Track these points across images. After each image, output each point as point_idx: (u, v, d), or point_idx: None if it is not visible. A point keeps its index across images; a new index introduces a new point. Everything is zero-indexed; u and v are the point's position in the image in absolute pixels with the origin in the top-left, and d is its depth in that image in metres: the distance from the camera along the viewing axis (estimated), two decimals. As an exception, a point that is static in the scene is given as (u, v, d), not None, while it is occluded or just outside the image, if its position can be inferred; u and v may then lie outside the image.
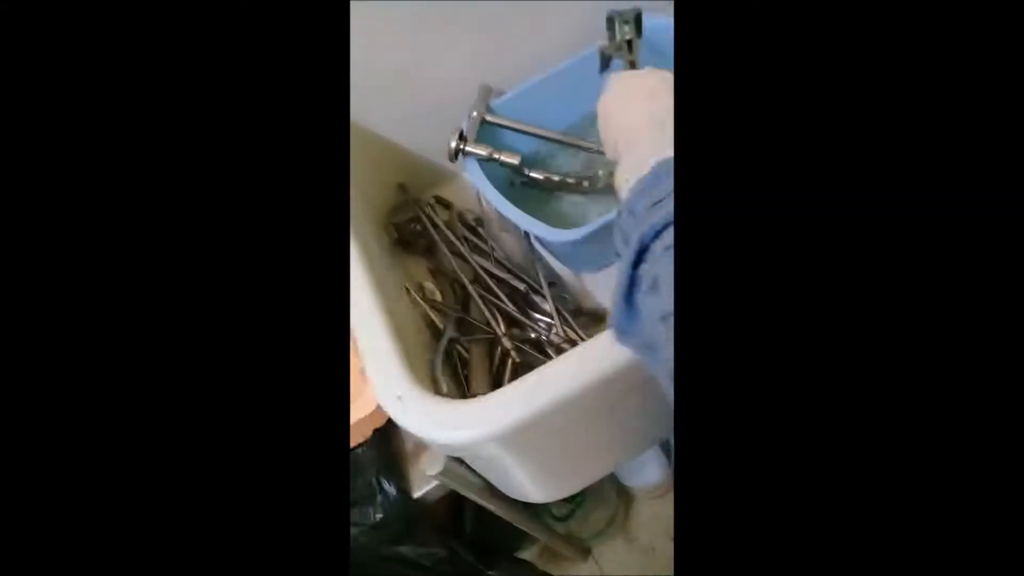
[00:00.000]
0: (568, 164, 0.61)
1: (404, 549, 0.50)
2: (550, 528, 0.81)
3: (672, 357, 0.23)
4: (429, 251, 0.58)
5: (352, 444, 0.46)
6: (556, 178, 0.57)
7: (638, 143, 0.36)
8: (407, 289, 0.53)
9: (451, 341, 0.48)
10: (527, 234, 0.56)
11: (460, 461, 0.47)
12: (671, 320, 0.25)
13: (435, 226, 0.58)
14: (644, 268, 0.29)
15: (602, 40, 0.60)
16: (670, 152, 0.33)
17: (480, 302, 0.50)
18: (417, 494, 0.48)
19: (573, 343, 0.48)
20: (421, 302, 0.51)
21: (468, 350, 0.48)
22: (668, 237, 0.27)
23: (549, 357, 0.47)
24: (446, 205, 0.63)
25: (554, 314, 0.49)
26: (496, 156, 0.54)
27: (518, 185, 0.59)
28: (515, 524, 0.59)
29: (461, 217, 0.61)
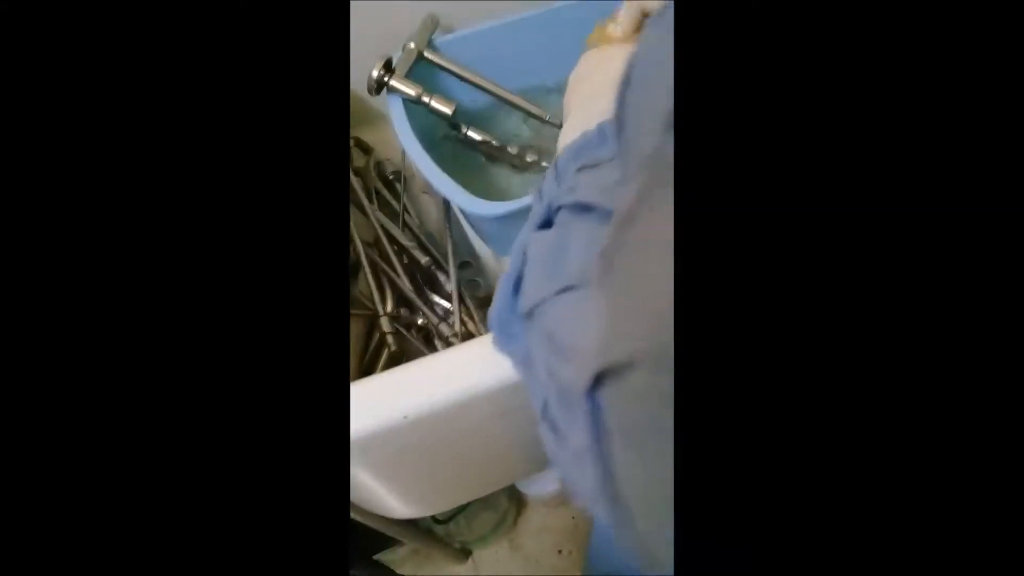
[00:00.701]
0: (514, 130, 0.53)
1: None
2: (427, 531, 0.73)
3: (551, 388, 0.19)
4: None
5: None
6: (495, 142, 0.49)
7: (592, 104, 0.31)
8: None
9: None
10: (447, 200, 0.48)
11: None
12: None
13: (345, 171, 0.48)
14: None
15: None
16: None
17: (368, 270, 0.41)
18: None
19: (468, 338, 0.40)
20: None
21: (347, 324, 0.39)
22: (586, 217, 0.21)
23: (434, 350, 0.39)
24: (365, 149, 0.54)
25: (455, 299, 0.41)
26: (426, 99, 0.45)
27: (452, 141, 0.50)
28: (376, 528, 0.51)
29: (379, 167, 0.51)
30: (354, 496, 0.40)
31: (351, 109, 0.54)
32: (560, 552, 0.88)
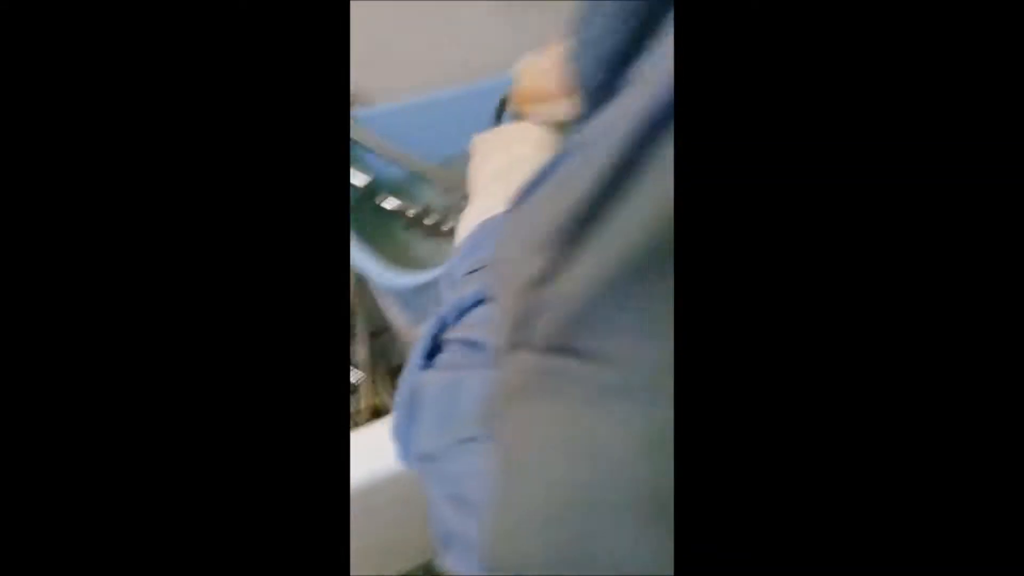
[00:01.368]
0: (437, 197, 0.54)
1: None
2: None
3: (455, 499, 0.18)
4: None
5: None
6: (411, 213, 0.50)
7: (479, 197, 0.32)
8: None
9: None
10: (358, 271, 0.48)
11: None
12: (454, 449, 0.19)
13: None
14: (440, 359, 0.22)
15: (500, 74, 0.55)
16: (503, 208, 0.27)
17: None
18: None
19: (377, 413, 0.39)
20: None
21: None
22: (472, 326, 0.21)
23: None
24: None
25: (365, 371, 0.40)
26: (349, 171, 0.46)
27: (369, 209, 0.51)
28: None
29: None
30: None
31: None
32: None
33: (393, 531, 0.37)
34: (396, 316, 0.48)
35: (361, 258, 0.41)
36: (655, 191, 0.13)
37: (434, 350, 0.22)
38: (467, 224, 0.29)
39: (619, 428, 0.13)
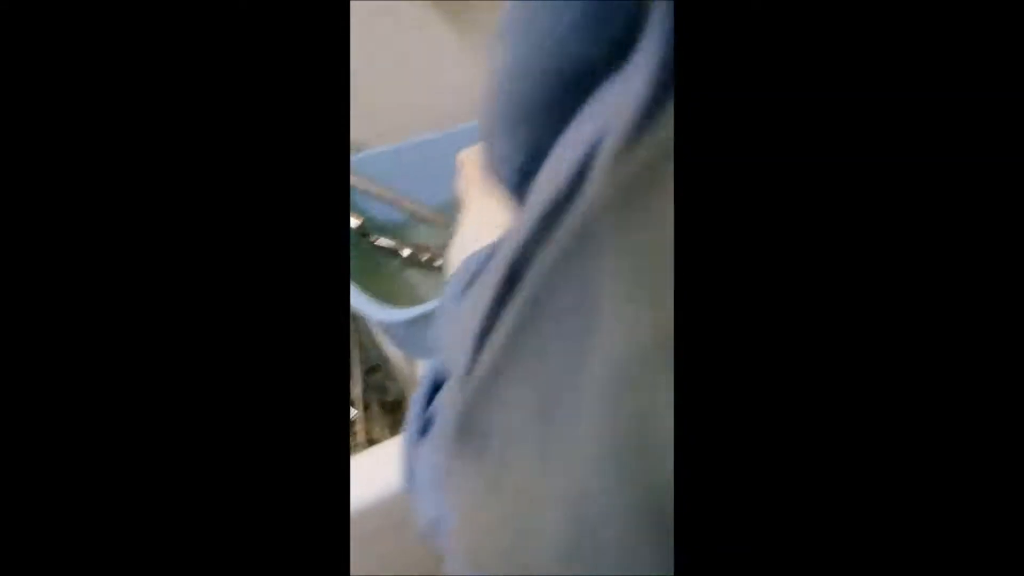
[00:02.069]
0: (429, 236, 0.56)
1: None
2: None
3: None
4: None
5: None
6: (406, 252, 0.51)
7: (470, 216, 0.31)
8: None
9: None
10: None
11: None
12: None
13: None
14: (436, 407, 0.23)
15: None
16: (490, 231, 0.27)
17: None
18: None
19: (372, 445, 0.40)
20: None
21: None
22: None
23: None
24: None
25: (359, 406, 0.41)
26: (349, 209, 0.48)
27: (364, 248, 0.52)
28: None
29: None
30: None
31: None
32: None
33: (389, 554, 0.37)
34: (391, 351, 0.49)
35: (355, 295, 0.42)
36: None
37: (427, 423, 0.23)
38: (460, 248, 0.29)
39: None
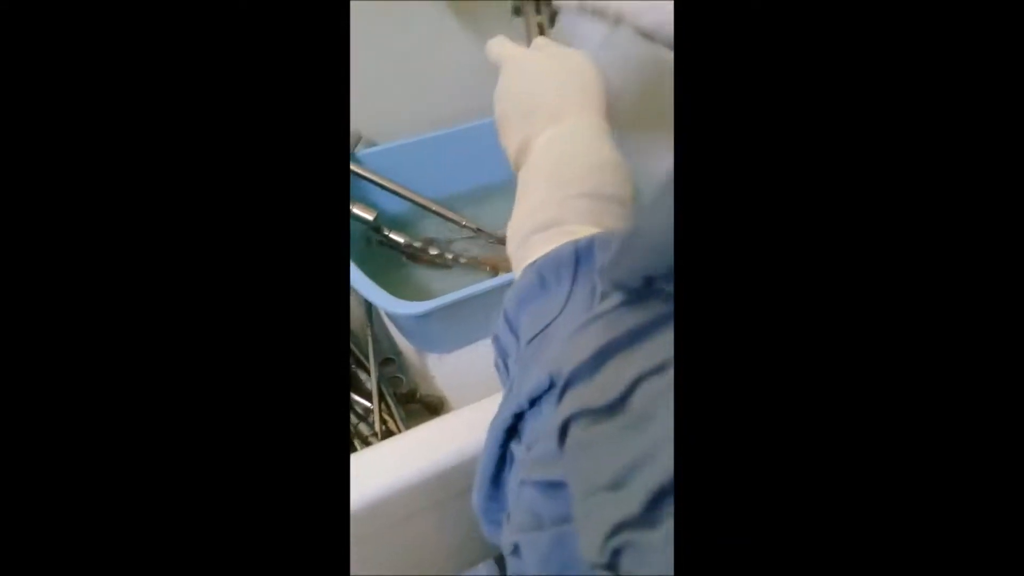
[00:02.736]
0: (436, 231, 0.57)
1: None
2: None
3: None
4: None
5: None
6: (417, 244, 0.52)
7: (532, 185, 0.27)
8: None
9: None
10: (367, 300, 0.50)
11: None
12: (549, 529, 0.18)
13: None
14: (516, 446, 0.21)
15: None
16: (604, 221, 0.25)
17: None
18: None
19: (389, 437, 0.41)
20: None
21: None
22: (548, 404, 0.19)
23: (352, 449, 0.40)
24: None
25: (375, 398, 0.42)
26: (349, 208, 0.48)
27: (375, 244, 0.53)
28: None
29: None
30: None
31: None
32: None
33: (401, 547, 0.38)
34: (405, 343, 0.50)
35: (370, 289, 0.43)
36: None
37: (512, 432, 0.21)
38: (518, 228, 0.26)
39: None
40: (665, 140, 0.53)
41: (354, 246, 0.47)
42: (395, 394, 0.44)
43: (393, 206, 0.54)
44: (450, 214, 0.53)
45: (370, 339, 0.46)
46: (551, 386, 0.19)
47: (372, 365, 0.43)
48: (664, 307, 0.16)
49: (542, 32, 0.39)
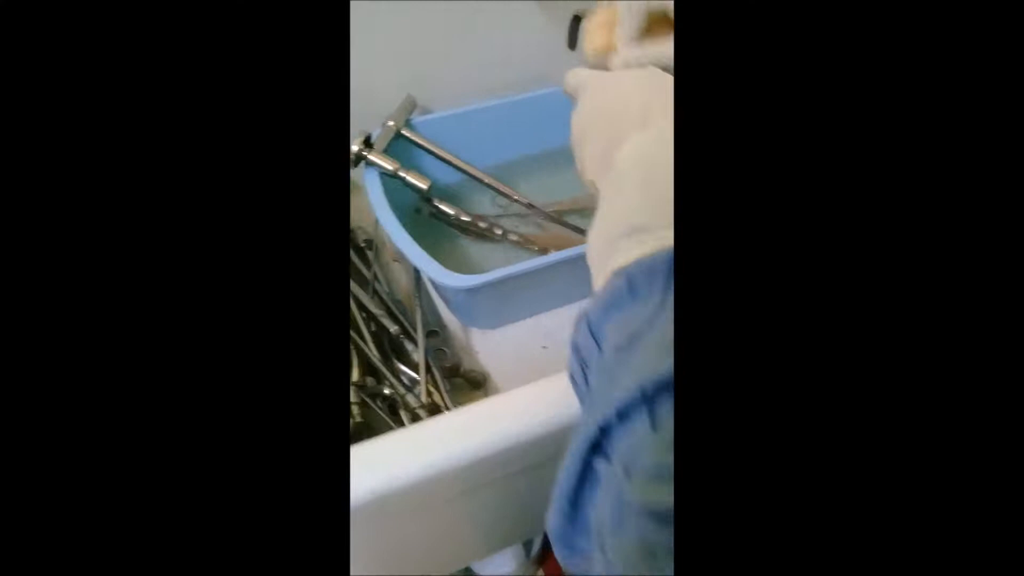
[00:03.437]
0: (484, 206, 0.55)
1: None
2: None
3: None
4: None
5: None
6: (466, 217, 0.51)
7: (615, 190, 0.26)
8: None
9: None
10: (417, 270, 0.49)
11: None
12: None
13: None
14: (602, 463, 0.19)
15: (547, 85, 0.56)
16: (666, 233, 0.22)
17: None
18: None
19: (435, 410, 0.40)
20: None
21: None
22: (640, 418, 0.18)
23: (399, 423, 0.39)
24: (338, 217, 0.55)
25: (422, 369, 0.41)
26: (402, 174, 0.47)
27: (425, 214, 0.52)
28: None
29: (351, 235, 0.52)
30: None
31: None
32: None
33: (445, 525, 0.37)
34: (450, 317, 0.49)
35: (421, 258, 0.42)
36: None
37: (595, 449, 0.19)
38: (603, 233, 0.25)
39: None
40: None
41: (404, 215, 0.46)
42: (440, 367, 0.43)
43: (444, 176, 0.53)
44: (502, 187, 0.52)
45: (418, 309, 0.45)
46: (642, 398, 0.18)
47: (420, 336, 0.43)
48: None
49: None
